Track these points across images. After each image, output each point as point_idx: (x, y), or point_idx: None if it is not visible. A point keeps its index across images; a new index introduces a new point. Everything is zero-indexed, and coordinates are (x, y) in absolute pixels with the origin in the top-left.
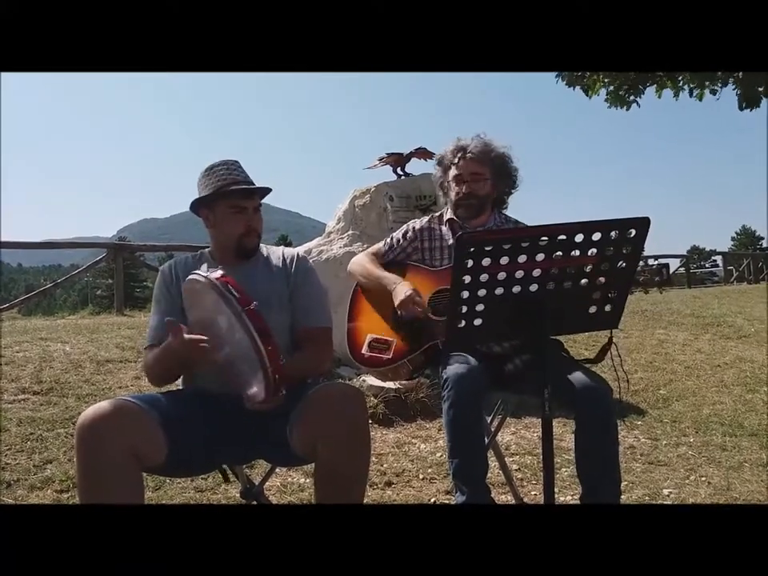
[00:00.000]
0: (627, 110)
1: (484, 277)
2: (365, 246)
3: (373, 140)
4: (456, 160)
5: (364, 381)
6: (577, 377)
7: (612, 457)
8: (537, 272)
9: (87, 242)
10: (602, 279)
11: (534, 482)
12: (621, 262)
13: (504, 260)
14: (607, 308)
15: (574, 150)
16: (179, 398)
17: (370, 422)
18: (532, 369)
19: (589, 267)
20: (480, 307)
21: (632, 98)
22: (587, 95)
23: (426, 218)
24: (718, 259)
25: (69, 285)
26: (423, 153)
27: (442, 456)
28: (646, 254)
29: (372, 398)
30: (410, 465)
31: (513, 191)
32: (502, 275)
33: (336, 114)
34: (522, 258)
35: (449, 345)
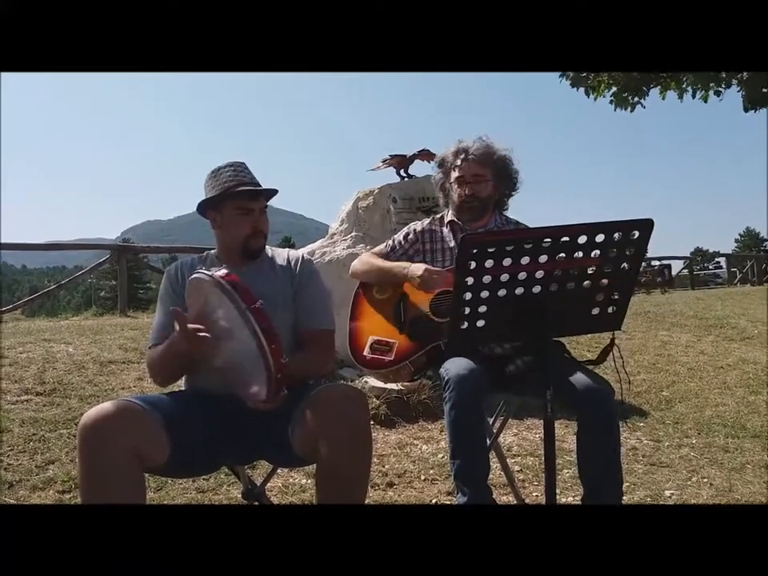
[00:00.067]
0: (631, 111)
1: (487, 278)
2: (368, 247)
3: (375, 141)
4: (458, 162)
5: (366, 382)
6: (579, 378)
7: (614, 458)
8: (540, 273)
9: (91, 244)
10: (605, 281)
11: (535, 483)
12: (624, 264)
13: (507, 261)
14: (610, 309)
15: (575, 151)
16: (181, 399)
17: (372, 423)
18: (534, 370)
19: (592, 269)
20: (482, 308)
21: (636, 99)
22: (588, 96)
23: (427, 220)
24: (722, 261)
25: (72, 286)
26: (426, 154)
27: (443, 457)
28: (649, 255)
29: (374, 399)
30: (411, 466)
31: (513, 193)
32: (504, 277)
33: (337, 114)
34: (525, 260)
35: (451, 346)
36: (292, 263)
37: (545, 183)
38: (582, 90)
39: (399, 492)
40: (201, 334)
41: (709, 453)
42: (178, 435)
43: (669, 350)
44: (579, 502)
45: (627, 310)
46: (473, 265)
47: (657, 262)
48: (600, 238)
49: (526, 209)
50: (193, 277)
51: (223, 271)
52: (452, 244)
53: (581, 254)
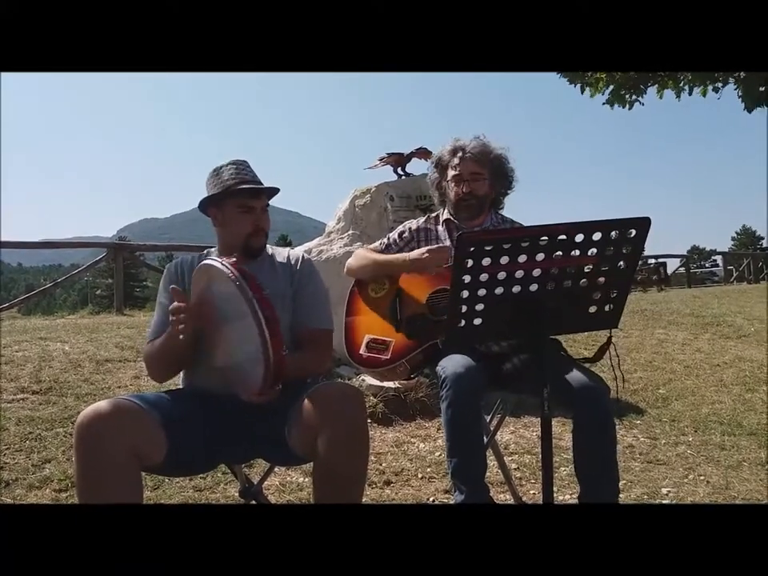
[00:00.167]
0: (630, 109)
1: (484, 276)
2: (365, 245)
3: (373, 140)
4: (455, 160)
5: (363, 380)
6: (575, 376)
7: (610, 456)
8: (537, 272)
9: (87, 242)
10: (602, 279)
11: (532, 481)
12: (621, 262)
13: (504, 260)
14: (607, 308)
15: (573, 150)
16: (179, 398)
17: (369, 421)
18: (531, 368)
19: (589, 267)
20: (480, 307)
21: (634, 97)
22: (583, 92)
23: (422, 219)
24: (718, 259)
25: (69, 284)
26: (424, 153)
27: (440, 455)
28: (646, 254)
29: (371, 398)
30: (408, 464)
31: (509, 192)
32: (501, 275)
33: (336, 114)
34: (522, 258)
35: (448, 344)
36: (292, 262)
37: (544, 183)
38: (579, 87)
39: (396, 490)
40: (203, 312)
41: (705, 450)
42: (175, 434)
43: (665, 348)
44: (576, 500)
45: (624, 308)
46: (470, 263)
47: (653, 260)
48: (597, 236)
49: (526, 208)
50: (203, 263)
51: (233, 259)
52: (447, 243)
53: (578, 252)
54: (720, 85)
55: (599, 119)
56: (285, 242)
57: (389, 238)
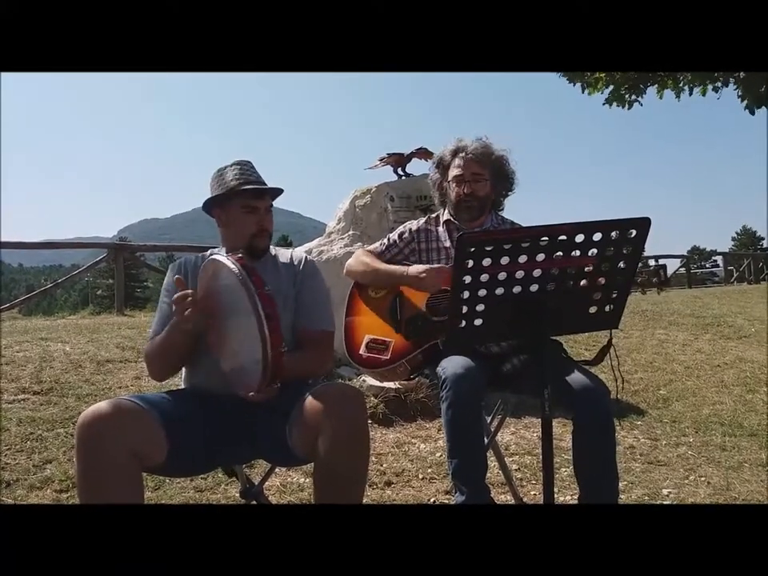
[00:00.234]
0: (629, 109)
1: (484, 277)
2: (365, 246)
3: (373, 140)
4: (457, 160)
5: (364, 381)
6: (575, 378)
7: (610, 458)
8: (537, 272)
9: (88, 242)
10: (603, 279)
11: (533, 482)
12: (621, 263)
13: (504, 260)
14: (607, 308)
15: (573, 150)
16: (179, 398)
17: (370, 421)
18: (531, 369)
19: (589, 267)
20: (480, 307)
21: (633, 97)
22: (583, 92)
23: (422, 219)
24: (719, 259)
25: (69, 285)
26: (424, 153)
27: (441, 456)
28: (646, 254)
29: (372, 398)
30: (409, 465)
31: (510, 194)
32: (502, 275)
33: (336, 114)
34: (523, 259)
35: (449, 345)
36: (295, 263)
37: (544, 183)
38: (578, 86)
39: (397, 491)
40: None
41: (706, 451)
42: (176, 434)
43: (666, 349)
44: (577, 501)
45: (624, 309)
46: (470, 263)
47: (653, 262)
48: (597, 236)
49: (526, 208)
50: (210, 258)
51: (239, 255)
52: (447, 244)
53: (578, 252)
54: (720, 85)
55: (599, 119)
56: (285, 242)
57: (389, 239)
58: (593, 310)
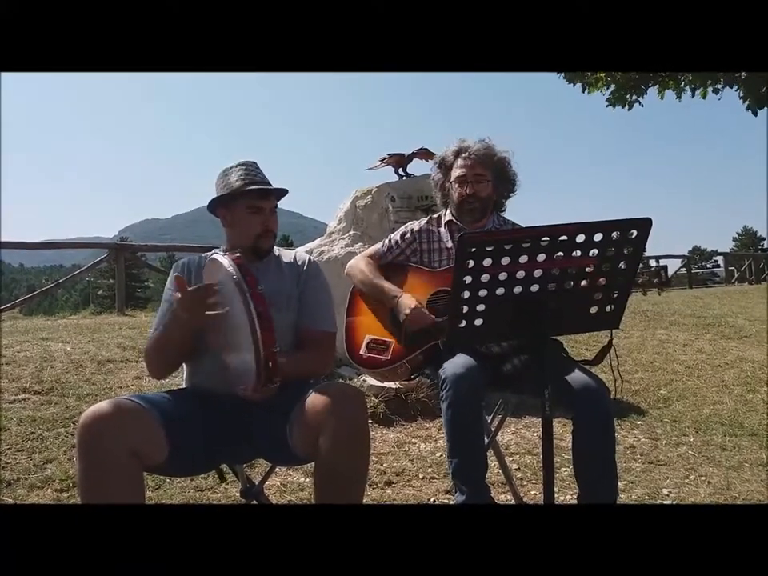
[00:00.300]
0: (629, 109)
1: (485, 277)
2: (366, 246)
3: (373, 140)
4: (459, 161)
5: (364, 380)
6: (576, 377)
7: (610, 457)
8: (538, 272)
9: (89, 243)
10: (603, 280)
11: (533, 482)
12: (622, 263)
13: (505, 260)
14: (608, 308)
15: (574, 150)
16: (180, 398)
17: (370, 421)
18: (532, 369)
19: (590, 268)
20: (481, 307)
21: (634, 97)
22: (584, 92)
23: (424, 220)
24: (720, 260)
25: (70, 285)
26: (425, 153)
27: (441, 455)
28: (647, 254)
29: (372, 398)
30: (409, 464)
31: (511, 195)
32: (503, 275)
33: (336, 114)
34: (524, 259)
35: (449, 345)
36: (299, 264)
37: (543, 182)
38: (578, 86)
39: (397, 490)
40: (205, 298)
41: (707, 451)
42: (176, 434)
43: (667, 349)
44: (576, 501)
45: (625, 309)
46: (471, 263)
47: (654, 262)
48: (598, 237)
49: (526, 208)
50: (210, 257)
51: (237, 254)
52: (449, 244)
53: (579, 252)
54: (721, 86)
55: (599, 119)
56: (286, 242)
57: (390, 240)
58: (593, 310)
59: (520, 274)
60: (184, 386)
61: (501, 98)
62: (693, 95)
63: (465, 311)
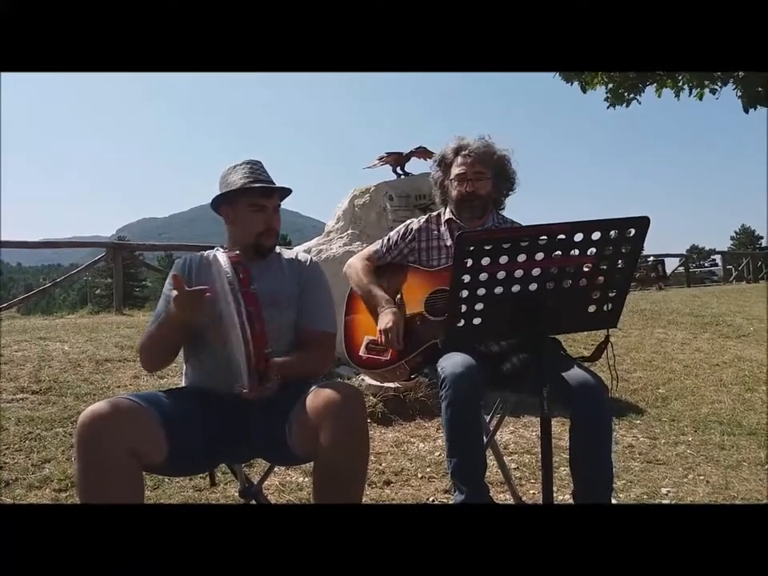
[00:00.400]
0: (627, 106)
1: (483, 276)
2: (364, 245)
3: (372, 140)
4: (459, 159)
5: (363, 380)
6: (573, 374)
7: (606, 455)
8: (536, 271)
9: (86, 242)
10: (601, 278)
11: (532, 481)
12: (620, 262)
13: (503, 259)
14: (606, 307)
15: (573, 150)
16: (178, 397)
17: (369, 421)
18: (530, 368)
19: (588, 266)
20: (479, 306)
21: (632, 96)
22: (584, 91)
23: (423, 218)
24: (718, 258)
25: (68, 284)
26: (423, 152)
27: (440, 455)
28: (645, 253)
29: (371, 398)
30: (408, 464)
31: (511, 193)
32: (501, 274)
33: (336, 114)
34: (522, 258)
35: (448, 344)
36: (300, 264)
37: (542, 182)
38: (578, 86)
39: (396, 490)
40: (200, 296)
41: (705, 450)
42: (175, 433)
43: (665, 348)
44: (571, 497)
45: (623, 308)
46: (469, 262)
47: (651, 258)
48: (596, 235)
49: (526, 208)
50: (208, 255)
51: (235, 252)
52: (449, 242)
53: (577, 251)
54: (719, 85)
55: (599, 119)
56: (284, 241)
57: (389, 239)
58: (592, 309)
59: (518, 273)
60: (183, 385)
61: (501, 98)
62: (690, 94)
63: (463, 310)
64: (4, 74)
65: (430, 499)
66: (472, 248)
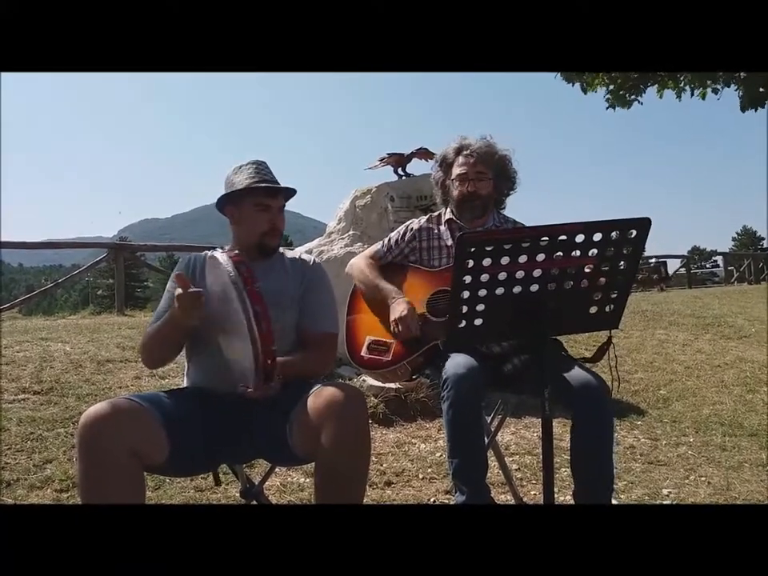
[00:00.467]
0: (628, 108)
1: (485, 277)
2: (365, 246)
3: (373, 140)
4: (460, 159)
5: (364, 381)
6: (575, 375)
7: (607, 454)
8: (537, 272)
9: (88, 242)
10: (603, 280)
11: (533, 482)
12: (621, 263)
13: (505, 260)
14: (608, 308)
15: (573, 150)
16: (179, 398)
17: (370, 421)
18: (532, 369)
19: (589, 267)
20: (480, 307)
21: (633, 97)
22: (585, 93)
23: (424, 218)
24: (719, 259)
25: (69, 285)
26: (424, 153)
27: (441, 456)
28: (646, 254)
29: (372, 398)
30: (409, 464)
31: (512, 193)
32: (502, 275)
33: (336, 114)
34: (523, 258)
35: (449, 345)
36: (303, 265)
37: (542, 182)
38: (578, 86)
39: (397, 491)
40: (197, 295)
41: (706, 451)
42: (176, 434)
43: (666, 349)
44: (572, 497)
45: (625, 309)
46: (470, 263)
47: (653, 260)
48: (597, 236)
49: (526, 208)
50: (209, 255)
51: (235, 252)
52: (449, 243)
53: (578, 252)
54: (720, 86)
55: (599, 119)
56: (286, 242)
57: (390, 240)
58: (593, 310)
59: (519, 274)
60: (184, 385)
61: (501, 98)
62: (692, 95)
63: (464, 311)
64: (4, 74)
65: (431, 500)
66: (473, 249)
